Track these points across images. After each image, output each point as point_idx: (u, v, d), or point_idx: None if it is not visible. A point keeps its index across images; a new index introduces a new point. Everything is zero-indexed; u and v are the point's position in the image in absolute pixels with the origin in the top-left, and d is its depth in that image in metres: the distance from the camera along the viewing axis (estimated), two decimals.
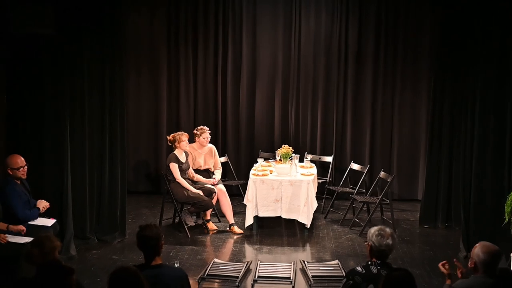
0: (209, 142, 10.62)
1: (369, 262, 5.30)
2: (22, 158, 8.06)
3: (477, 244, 5.45)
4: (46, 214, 8.20)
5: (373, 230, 5.34)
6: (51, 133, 8.94)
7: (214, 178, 10.44)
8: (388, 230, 5.33)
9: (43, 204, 8.17)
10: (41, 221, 8.06)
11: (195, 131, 10.52)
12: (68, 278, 4.79)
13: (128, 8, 9.98)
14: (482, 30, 8.99)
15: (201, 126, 10.54)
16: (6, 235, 7.47)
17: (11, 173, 7.95)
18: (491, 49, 8.81)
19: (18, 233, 7.56)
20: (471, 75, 9.30)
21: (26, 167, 8.03)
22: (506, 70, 8.60)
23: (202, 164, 10.53)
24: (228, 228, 10.16)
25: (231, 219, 10.20)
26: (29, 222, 7.86)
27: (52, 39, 8.67)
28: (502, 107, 8.70)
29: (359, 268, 5.27)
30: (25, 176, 8.09)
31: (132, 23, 11.38)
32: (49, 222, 8.13)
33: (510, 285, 5.48)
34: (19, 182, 8.01)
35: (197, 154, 10.52)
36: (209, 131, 10.51)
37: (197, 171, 10.45)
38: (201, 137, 10.41)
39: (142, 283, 4.60)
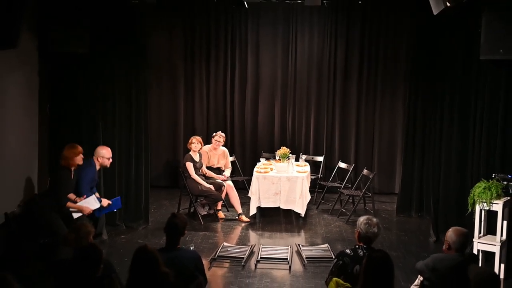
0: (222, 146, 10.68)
1: (357, 246, 5.29)
2: (111, 151, 8.45)
3: (450, 229, 5.47)
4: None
5: (362, 219, 5.33)
6: (86, 135, 8.98)
7: (224, 175, 10.46)
8: (374, 220, 5.32)
9: (105, 203, 8.26)
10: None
11: (213, 135, 10.57)
12: (100, 256, 4.83)
13: (150, 29, 9.98)
14: (448, 51, 9.04)
15: (217, 132, 10.61)
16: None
17: (99, 160, 8.23)
18: (455, 66, 8.85)
19: None
20: (440, 88, 9.33)
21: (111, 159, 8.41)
22: (469, 83, 8.59)
23: (215, 163, 10.56)
24: (236, 217, 10.15)
25: (239, 209, 10.19)
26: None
27: (87, 56, 8.68)
28: (465, 116, 8.70)
29: (348, 251, 5.26)
30: (109, 166, 8.47)
31: (154, 42, 11.37)
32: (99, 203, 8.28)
33: (475, 264, 5.54)
34: (98, 168, 8.28)
35: (212, 154, 10.54)
36: (223, 137, 10.56)
37: (210, 168, 10.46)
38: (213, 140, 10.45)
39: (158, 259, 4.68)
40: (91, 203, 8.07)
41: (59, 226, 7.39)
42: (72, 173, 7.80)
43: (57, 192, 7.60)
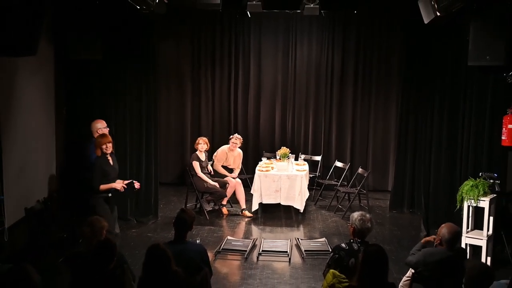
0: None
1: (351, 240, 5.28)
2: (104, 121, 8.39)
3: (442, 225, 5.48)
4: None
5: (356, 215, 5.32)
6: None
7: (234, 174, 10.54)
8: (368, 215, 5.32)
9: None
10: None
11: (230, 137, 10.66)
12: (115, 250, 4.85)
13: (159, 38, 9.98)
14: (438, 57, 9.06)
15: (234, 135, 10.66)
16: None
17: (99, 133, 8.06)
18: (445, 71, 8.88)
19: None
20: (429, 92, 9.36)
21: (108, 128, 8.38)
22: (457, 87, 8.62)
23: (231, 163, 10.59)
24: (240, 212, 10.17)
25: (243, 205, 10.21)
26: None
27: (100, 63, 8.70)
28: (454, 117, 8.71)
29: (343, 245, 5.25)
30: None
31: (163, 49, 11.39)
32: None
33: (463, 258, 5.57)
34: None
35: (230, 155, 10.55)
36: (239, 139, 10.57)
37: (224, 167, 10.56)
38: (230, 142, 10.52)
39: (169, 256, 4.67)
40: None
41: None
42: (110, 159, 7.69)
43: (92, 179, 7.55)
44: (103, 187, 7.56)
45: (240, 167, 10.87)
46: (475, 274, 4.55)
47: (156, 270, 4.65)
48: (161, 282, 4.64)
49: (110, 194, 7.61)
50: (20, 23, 5.82)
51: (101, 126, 8.28)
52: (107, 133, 8.07)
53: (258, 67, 12.27)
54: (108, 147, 7.59)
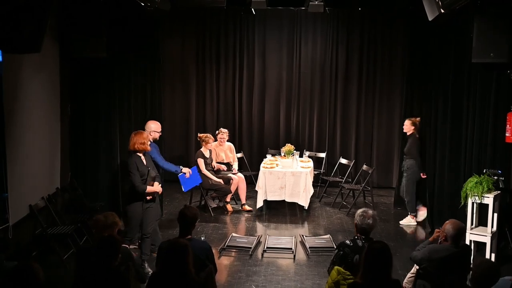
0: (229, 141, 10.69)
1: (356, 237, 5.28)
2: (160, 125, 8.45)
3: (447, 221, 5.47)
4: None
5: (359, 211, 5.33)
6: (104, 134, 8.99)
7: (234, 169, 10.54)
8: (370, 212, 5.29)
9: (187, 171, 8.80)
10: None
11: (216, 132, 10.57)
12: (118, 247, 4.84)
13: (164, 36, 9.98)
14: (441, 54, 9.04)
15: (220, 129, 10.58)
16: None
17: (151, 135, 8.11)
18: (448, 69, 8.85)
19: None
20: (433, 89, 9.33)
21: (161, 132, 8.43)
22: (461, 85, 8.57)
23: (224, 158, 10.56)
24: (240, 207, 10.22)
25: (243, 200, 10.27)
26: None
27: (105, 61, 8.69)
28: (458, 114, 8.68)
29: (348, 242, 5.24)
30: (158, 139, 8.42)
31: (167, 46, 11.40)
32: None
33: (468, 254, 5.53)
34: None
35: (220, 150, 10.55)
36: (227, 133, 10.57)
37: (220, 163, 10.49)
38: (217, 138, 10.50)
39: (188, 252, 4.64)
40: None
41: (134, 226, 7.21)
42: (143, 157, 7.21)
43: (132, 180, 7.07)
44: (149, 189, 7.07)
45: (236, 159, 10.87)
46: (482, 272, 4.53)
47: (174, 267, 4.59)
48: (176, 281, 4.58)
49: (149, 197, 7.15)
50: (25, 20, 5.82)
51: (155, 128, 8.22)
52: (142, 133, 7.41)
53: (262, 64, 12.26)
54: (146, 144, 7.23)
